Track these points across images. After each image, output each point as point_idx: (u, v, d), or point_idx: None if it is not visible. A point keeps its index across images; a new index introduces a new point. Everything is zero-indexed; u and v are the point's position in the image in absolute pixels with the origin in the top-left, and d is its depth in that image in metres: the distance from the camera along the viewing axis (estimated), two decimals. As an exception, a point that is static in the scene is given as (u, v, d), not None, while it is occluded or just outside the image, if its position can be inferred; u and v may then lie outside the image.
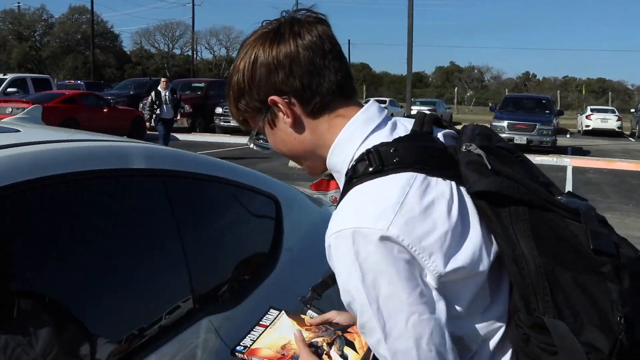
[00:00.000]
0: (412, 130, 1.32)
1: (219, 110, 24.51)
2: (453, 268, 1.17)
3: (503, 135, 21.04)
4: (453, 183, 1.23)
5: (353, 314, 1.24)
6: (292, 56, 1.29)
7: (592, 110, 38.88)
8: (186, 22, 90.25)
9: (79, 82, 34.28)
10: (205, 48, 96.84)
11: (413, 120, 1.37)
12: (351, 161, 1.28)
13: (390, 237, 1.14)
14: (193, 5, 64.54)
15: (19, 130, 1.98)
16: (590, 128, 36.46)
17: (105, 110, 20.71)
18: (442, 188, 1.21)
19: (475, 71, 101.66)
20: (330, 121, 1.33)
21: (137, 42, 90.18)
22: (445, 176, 1.23)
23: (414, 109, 24.11)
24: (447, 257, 1.17)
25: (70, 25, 77.11)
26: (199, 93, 26.15)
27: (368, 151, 1.24)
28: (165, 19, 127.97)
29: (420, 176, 1.20)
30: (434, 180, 1.21)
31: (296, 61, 1.29)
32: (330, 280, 1.63)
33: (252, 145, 1.46)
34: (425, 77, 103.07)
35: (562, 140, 26.79)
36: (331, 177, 1.37)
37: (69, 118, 18.87)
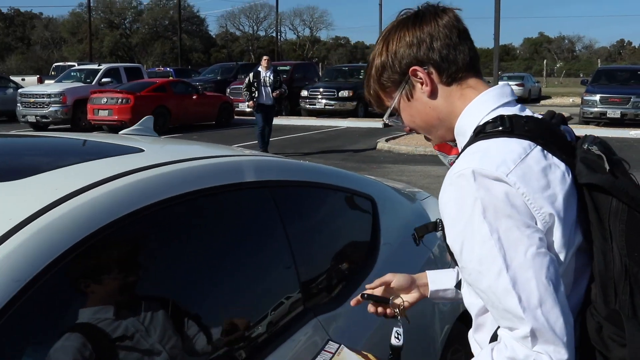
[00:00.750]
0: (542, 118, 1.46)
1: (304, 93, 24.76)
2: (556, 226, 1.29)
3: (595, 109, 20.46)
4: (567, 166, 1.35)
5: (457, 255, 1.36)
6: (432, 33, 1.48)
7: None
8: (270, 4, 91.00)
9: (167, 69, 35.24)
10: (290, 29, 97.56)
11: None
12: (479, 122, 1.44)
13: (508, 182, 1.27)
14: (276, -14, 65.01)
15: (142, 150, 2.19)
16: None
17: (194, 97, 21.26)
18: (558, 162, 1.34)
19: (566, 41, 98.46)
20: (462, 91, 1.49)
21: (222, 25, 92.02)
22: (562, 158, 1.35)
23: (501, 84, 23.58)
24: (554, 215, 1.29)
25: (158, 11, 79.17)
26: (285, 76, 26.41)
27: (502, 116, 1.40)
28: (249, 1, 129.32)
29: (540, 148, 1.34)
30: (551, 156, 1.34)
31: (436, 37, 1.48)
32: (431, 226, 1.80)
33: (387, 121, 1.64)
34: (513, 49, 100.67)
35: (658, 112, 25.76)
36: (456, 144, 1.54)
37: (160, 105, 19.54)
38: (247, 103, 14.64)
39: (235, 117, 23.23)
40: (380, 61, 1.53)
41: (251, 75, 14.09)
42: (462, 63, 1.48)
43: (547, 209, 1.28)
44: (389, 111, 1.57)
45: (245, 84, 14.21)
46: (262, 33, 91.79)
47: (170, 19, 75.44)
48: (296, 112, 25.23)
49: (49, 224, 1.51)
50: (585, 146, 1.38)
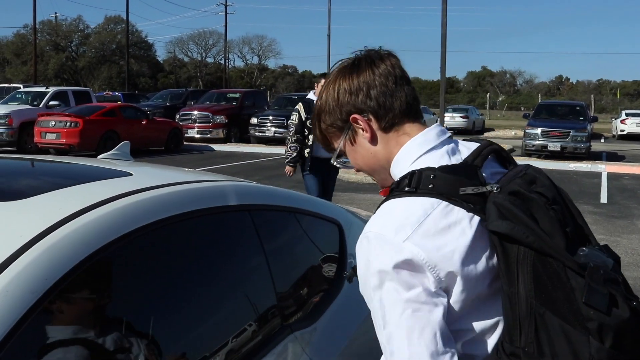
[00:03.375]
0: (463, 160, 1.51)
1: (254, 120, 24.91)
2: (456, 281, 1.37)
3: (537, 142, 21.14)
4: (475, 216, 1.40)
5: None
6: (368, 81, 1.57)
7: (627, 114, 38.64)
8: (219, 31, 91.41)
9: (116, 93, 34.99)
10: (238, 56, 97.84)
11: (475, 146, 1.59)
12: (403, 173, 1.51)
13: (404, 248, 1.36)
14: (226, 14, 65.48)
15: (131, 174, 2.32)
16: (625, 132, 36.26)
17: (143, 122, 21.20)
18: (461, 216, 1.39)
19: (508, 75, 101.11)
20: (398, 138, 1.56)
21: (170, 51, 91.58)
22: (469, 209, 1.40)
23: (447, 116, 24.20)
24: (452, 272, 1.36)
25: (105, 35, 78.50)
26: (234, 103, 26.60)
27: (413, 172, 1.46)
28: (198, 27, 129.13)
29: (445, 203, 1.39)
30: (457, 209, 1.40)
31: (372, 85, 1.56)
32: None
33: (335, 164, 1.70)
34: (457, 82, 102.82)
35: (596, 146, 26.74)
36: None
37: (109, 130, 19.44)
38: (288, 162, 7.73)
39: (185, 143, 23.23)
40: (326, 107, 1.63)
41: (301, 108, 7.58)
42: (399, 109, 1.55)
43: (443, 268, 1.36)
44: (335, 154, 1.66)
45: (293, 126, 7.57)
46: (210, 60, 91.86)
47: (118, 43, 74.93)
48: (245, 139, 25.34)
49: (58, 241, 1.63)
50: (491, 187, 1.42)
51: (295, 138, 7.57)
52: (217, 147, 23.54)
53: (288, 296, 2.45)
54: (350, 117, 1.58)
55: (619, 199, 13.88)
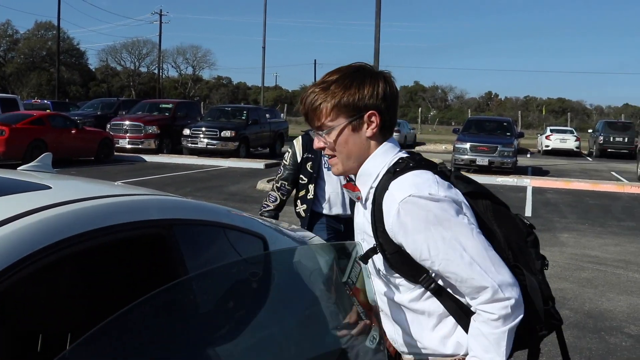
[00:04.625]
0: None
1: (186, 131, 24.68)
2: (473, 215, 1.92)
3: (465, 156, 21.62)
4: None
5: (423, 256, 1.86)
6: (387, 92, 1.95)
7: (551, 130, 39.94)
8: (153, 40, 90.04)
9: (45, 101, 34.13)
10: (172, 66, 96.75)
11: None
12: (386, 166, 1.95)
13: (439, 197, 1.82)
14: (160, 23, 64.75)
15: (50, 187, 2.29)
16: (549, 148, 37.46)
17: (73, 131, 20.75)
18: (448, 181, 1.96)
19: (439, 91, 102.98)
20: (377, 140, 1.99)
21: (102, 59, 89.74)
22: (446, 179, 1.97)
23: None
24: (469, 208, 1.93)
25: (35, 41, 76.60)
26: (167, 114, 26.33)
27: (403, 158, 1.97)
28: (132, 36, 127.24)
29: (435, 174, 1.93)
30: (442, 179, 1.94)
31: (395, 98, 1.99)
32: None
33: (314, 134, 2.00)
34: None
35: (522, 160, 27.53)
36: (351, 180, 1.99)
37: (37, 139, 18.96)
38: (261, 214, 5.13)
39: (116, 153, 22.85)
40: (352, 97, 1.91)
41: (298, 145, 5.17)
42: (391, 121, 1.98)
43: (464, 206, 1.90)
44: (316, 129, 1.99)
45: (282, 168, 5.12)
46: (144, 69, 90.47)
47: (49, 49, 73.22)
48: (177, 150, 25.09)
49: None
50: (451, 170, 2.05)
51: (279, 184, 5.08)
52: (149, 158, 23.22)
53: (211, 312, 2.46)
54: (369, 112, 1.93)
55: (543, 212, 14.32)
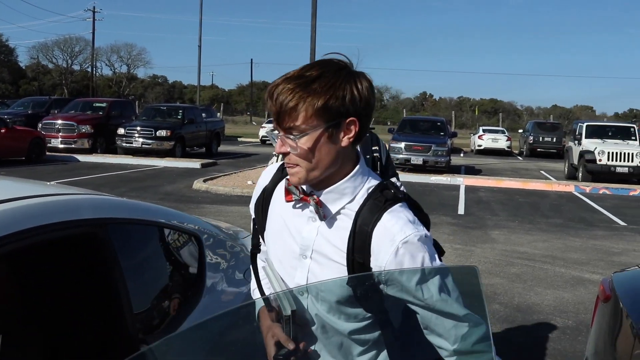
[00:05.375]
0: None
1: (121, 131, 24.27)
2: None
3: (400, 156, 21.94)
4: None
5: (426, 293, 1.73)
6: (369, 99, 1.71)
7: (483, 130, 40.89)
8: (86, 38, 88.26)
9: (-28, 99, 33.09)
10: (106, 64, 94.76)
11: None
12: (363, 189, 1.75)
13: (427, 235, 1.73)
14: (94, 20, 63.50)
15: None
16: (482, 147, 38.32)
17: (2, 130, 20.16)
18: None
19: (375, 91, 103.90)
20: (349, 151, 1.74)
21: (33, 57, 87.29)
22: None
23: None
24: None
25: (-40, 38, 74.05)
26: (101, 113, 25.86)
27: (384, 184, 1.76)
28: (64, 33, 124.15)
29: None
30: None
31: (373, 105, 1.74)
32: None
33: (272, 134, 1.74)
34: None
35: (456, 160, 28.11)
36: (306, 193, 1.77)
37: (-36, 139, 18.40)
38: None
39: (48, 153, 22.32)
40: (337, 100, 1.64)
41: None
42: (366, 131, 1.74)
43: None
44: (277, 129, 1.70)
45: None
46: (76, 67, 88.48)
47: (-25, 46, 70.84)
48: (112, 150, 24.66)
49: None
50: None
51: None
52: (82, 157, 22.77)
53: (145, 310, 2.49)
54: (349, 119, 1.67)
55: (475, 210, 14.67)
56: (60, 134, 24.05)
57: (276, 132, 1.71)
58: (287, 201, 1.79)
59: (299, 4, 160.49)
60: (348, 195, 1.74)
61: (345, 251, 1.72)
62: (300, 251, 1.79)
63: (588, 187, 19.27)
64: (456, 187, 18.80)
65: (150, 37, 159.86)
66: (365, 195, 1.73)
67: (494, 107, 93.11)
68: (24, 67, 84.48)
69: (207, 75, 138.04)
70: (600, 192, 18.95)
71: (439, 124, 25.49)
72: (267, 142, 38.29)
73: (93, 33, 68.83)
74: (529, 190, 18.76)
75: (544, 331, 6.36)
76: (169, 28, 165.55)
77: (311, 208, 1.75)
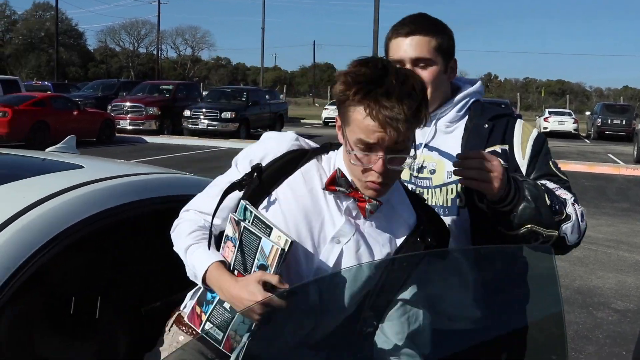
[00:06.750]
0: None
1: (187, 113, 24.87)
2: None
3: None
4: None
5: None
6: None
7: (549, 112, 40.15)
8: (152, 21, 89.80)
9: (46, 82, 34.30)
10: (171, 47, 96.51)
11: None
12: None
13: None
14: (159, 4, 64.57)
15: (82, 167, 2.54)
16: (548, 130, 37.61)
17: (74, 112, 20.91)
18: None
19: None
20: None
21: (101, 40, 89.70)
22: None
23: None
24: None
25: (33, 22, 76.54)
26: (167, 95, 26.50)
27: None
28: (131, 17, 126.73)
29: None
30: None
31: None
32: None
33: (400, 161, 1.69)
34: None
35: (520, 143, 27.70)
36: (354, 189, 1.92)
37: (39, 121, 19.14)
38: None
39: (117, 134, 23.06)
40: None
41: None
42: None
43: None
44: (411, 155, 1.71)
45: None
46: (142, 50, 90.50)
47: (47, 30, 73.06)
48: (178, 131, 25.29)
49: (27, 224, 1.87)
50: None
51: None
52: (150, 139, 23.44)
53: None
54: None
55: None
56: (129, 115, 24.78)
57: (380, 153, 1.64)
58: (330, 190, 1.76)
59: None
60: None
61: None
62: (334, 236, 1.76)
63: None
64: (520, 170, 18.61)
65: (214, 20, 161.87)
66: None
67: (561, 89, 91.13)
68: (92, 51, 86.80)
69: (270, 57, 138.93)
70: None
71: (502, 106, 25.22)
72: (330, 123, 38.54)
73: (158, 16, 69.88)
74: (595, 174, 18.49)
75: (605, 314, 6.41)
76: (232, 10, 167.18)
77: (351, 201, 1.76)
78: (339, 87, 1.67)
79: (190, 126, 24.83)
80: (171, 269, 2.56)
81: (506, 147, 2.17)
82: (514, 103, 39.20)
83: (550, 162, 2.20)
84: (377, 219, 1.80)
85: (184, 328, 1.92)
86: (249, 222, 1.68)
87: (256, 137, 21.11)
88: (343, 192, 1.74)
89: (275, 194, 1.78)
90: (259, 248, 1.63)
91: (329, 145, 1.88)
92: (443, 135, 2.19)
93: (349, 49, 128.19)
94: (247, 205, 1.71)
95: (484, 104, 2.27)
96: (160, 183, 2.57)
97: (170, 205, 2.50)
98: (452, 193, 2.12)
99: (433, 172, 2.15)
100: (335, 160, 1.83)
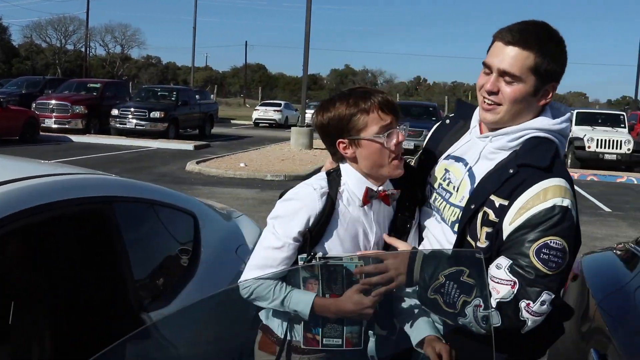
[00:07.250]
0: None
1: (115, 112, 24.40)
2: None
3: (393, 140, 22.08)
4: None
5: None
6: None
7: (476, 116, 41.00)
8: (80, 17, 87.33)
9: (-35, 78, 33.07)
10: (100, 45, 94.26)
11: None
12: None
13: None
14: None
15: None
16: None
17: (-4, 110, 20.27)
18: None
19: (369, 74, 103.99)
20: None
21: (27, 36, 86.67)
22: None
23: (308, 112, 24.78)
24: None
25: (-47, 16, 73.47)
26: (95, 94, 25.95)
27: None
28: (58, 12, 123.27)
29: None
30: None
31: None
32: None
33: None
34: (320, 79, 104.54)
35: (448, 145, 28.26)
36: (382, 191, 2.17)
37: (-42, 118, 18.47)
38: None
39: (42, 133, 22.43)
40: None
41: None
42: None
43: None
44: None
45: None
46: (70, 47, 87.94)
47: (-33, 25, 70.38)
48: (105, 130, 24.78)
49: None
50: None
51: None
52: (76, 138, 22.88)
53: (145, 282, 2.71)
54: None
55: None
56: (54, 114, 24.14)
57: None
58: (365, 204, 2.10)
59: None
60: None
61: None
62: (374, 241, 2.14)
63: (576, 173, 19.53)
64: (446, 172, 19.00)
65: (145, 18, 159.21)
66: None
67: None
68: (17, 46, 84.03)
69: (202, 56, 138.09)
70: (588, 178, 19.26)
71: (430, 109, 25.74)
72: (260, 124, 38.40)
73: (87, 12, 68.18)
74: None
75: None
76: (163, 8, 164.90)
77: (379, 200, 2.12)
78: (346, 110, 2.07)
79: (117, 125, 24.36)
80: (90, 271, 2.55)
81: (506, 203, 1.97)
82: (442, 106, 39.83)
83: (535, 245, 1.92)
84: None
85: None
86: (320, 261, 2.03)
87: (185, 137, 20.84)
88: (375, 197, 2.09)
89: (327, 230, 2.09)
90: (344, 271, 1.97)
91: (330, 173, 2.15)
92: (483, 158, 2.11)
93: (280, 49, 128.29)
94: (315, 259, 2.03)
95: (545, 144, 2.05)
96: (80, 184, 2.53)
97: (87, 207, 2.48)
98: (454, 216, 2.10)
99: (455, 188, 2.13)
100: (346, 179, 2.12)
